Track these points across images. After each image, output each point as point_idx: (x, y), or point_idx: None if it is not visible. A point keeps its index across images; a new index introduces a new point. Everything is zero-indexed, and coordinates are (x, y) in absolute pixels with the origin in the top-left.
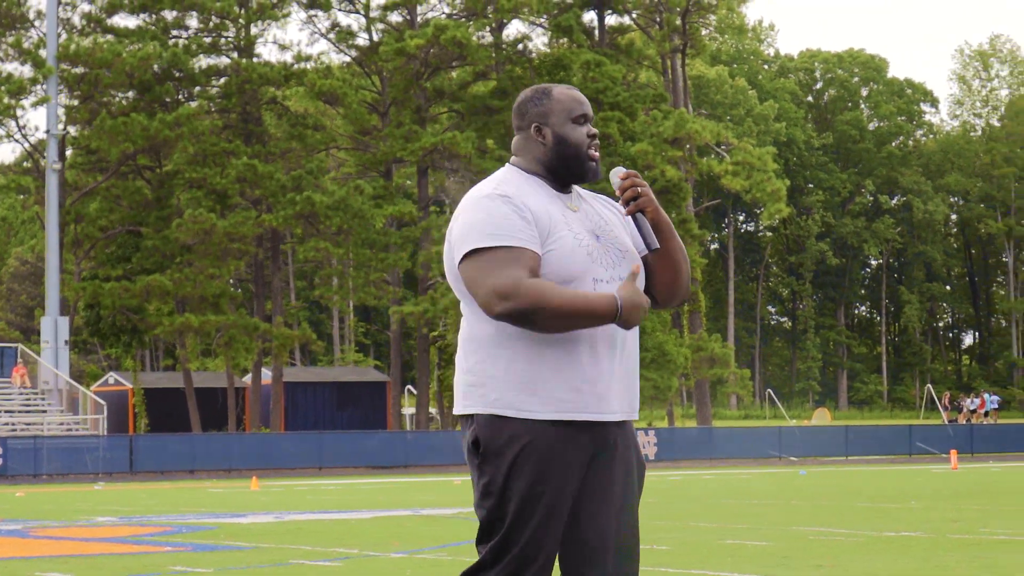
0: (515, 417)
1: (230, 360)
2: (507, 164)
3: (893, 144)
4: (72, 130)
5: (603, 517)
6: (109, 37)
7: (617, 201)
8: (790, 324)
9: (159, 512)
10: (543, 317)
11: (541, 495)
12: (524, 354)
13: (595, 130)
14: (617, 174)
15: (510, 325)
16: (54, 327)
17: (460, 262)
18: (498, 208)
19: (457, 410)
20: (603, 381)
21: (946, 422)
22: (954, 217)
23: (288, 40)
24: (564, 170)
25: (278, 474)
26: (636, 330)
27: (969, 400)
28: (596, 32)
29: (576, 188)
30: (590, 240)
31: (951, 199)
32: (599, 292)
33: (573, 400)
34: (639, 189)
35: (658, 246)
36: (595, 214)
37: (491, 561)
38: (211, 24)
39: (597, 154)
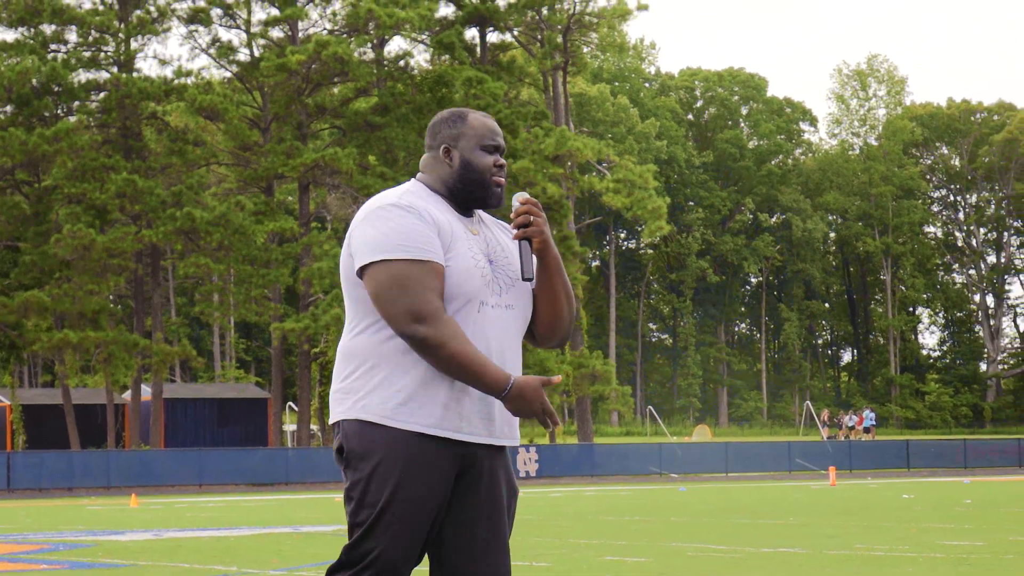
0: (381, 424)
1: (109, 376)
2: (413, 179)
3: (773, 163)
4: None
5: (469, 544)
6: None
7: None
8: (671, 341)
9: (36, 530)
10: (441, 356)
11: (400, 502)
12: (398, 368)
13: (503, 161)
14: (518, 198)
15: (390, 340)
16: None
17: (365, 269)
18: (404, 217)
19: (331, 419)
20: (470, 403)
21: (825, 439)
22: (833, 235)
23: (168, 55)
24: (466, 194)
25: (158, 491)
26: (513, 359)
27: (847, 417)
28: (478, 49)
29: (479, 213)
30: (485, 263)
31: (830, 217)
32: (497, 368)
33: (439, 416)
34: (532, 218)
35: (531, 277)
36: (493, 239)
37: (347, 563)
38: (91, 38)
39: (503, 181)
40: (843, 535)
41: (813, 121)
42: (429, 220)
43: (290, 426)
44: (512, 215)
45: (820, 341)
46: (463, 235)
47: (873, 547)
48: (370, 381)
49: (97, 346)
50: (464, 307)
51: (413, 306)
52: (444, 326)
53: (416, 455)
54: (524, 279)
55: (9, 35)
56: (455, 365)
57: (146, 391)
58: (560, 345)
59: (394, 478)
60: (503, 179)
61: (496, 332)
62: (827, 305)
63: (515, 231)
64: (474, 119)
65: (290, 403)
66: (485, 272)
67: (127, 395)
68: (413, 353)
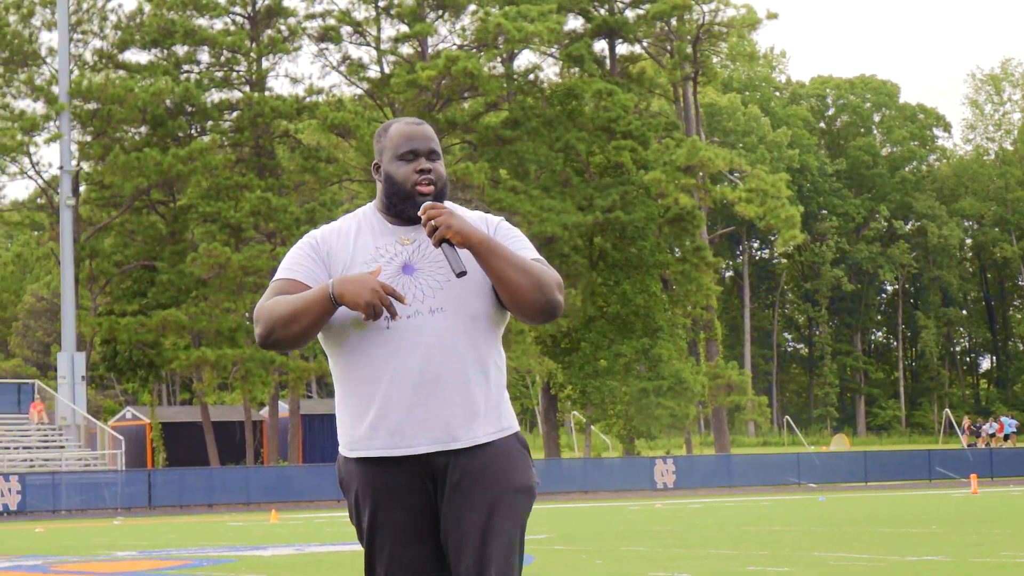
0: (347, 456)
1: (247, 393)
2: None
3: (906, 169)
4: (85, 166)
5: (466, 552)
6: (121, 73)
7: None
8: (807, 350)
9: (179, 546)
10: (280, 332)
11: (379, 527)
12: (340, 397)
13: (427, 165)
14: (423, 208)
15: (337, 371)
16: (71, 363)
17: None
18: (296, 247)
19: None
20: (397, 415)
21: (965, 447)
22: (969, 241)
23: (300, 73)
24: (394, 207)
25: (297, 506)
26: (454, 360)
27: (987, 424)
28: (607, 61)
29: None
30: (395, 276)
31: (965, 223)
32: (315, 288)
33: (370, 437)
34: (433, 222)
35: (464, 270)
36: (428, 246)
37: None
38: (223, 58)
39: (427, 189)
40: (988, 543)
41: (947, 127)
42: (318, 248)
43: None
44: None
45: (958, 348)
46: (371, 255)
47: (1019, 555)
48: (338, 414)
49: (234, 363)
50: (368, 328)
51: (255, 314)
52: (259, 313)
53: (378, 480)
54: (458, 275)
55: (143, 57)
56: (291, 322)
57: (283, 407)
58: (547, 317)
59: (368, 505)
60: (428, 186)
61: (424, 339)
62: (964, 312)
63: (433, 244)
64: (394, 129)
65: None
66: (393, 286)
67: (264, 412)
68: (346, 378)
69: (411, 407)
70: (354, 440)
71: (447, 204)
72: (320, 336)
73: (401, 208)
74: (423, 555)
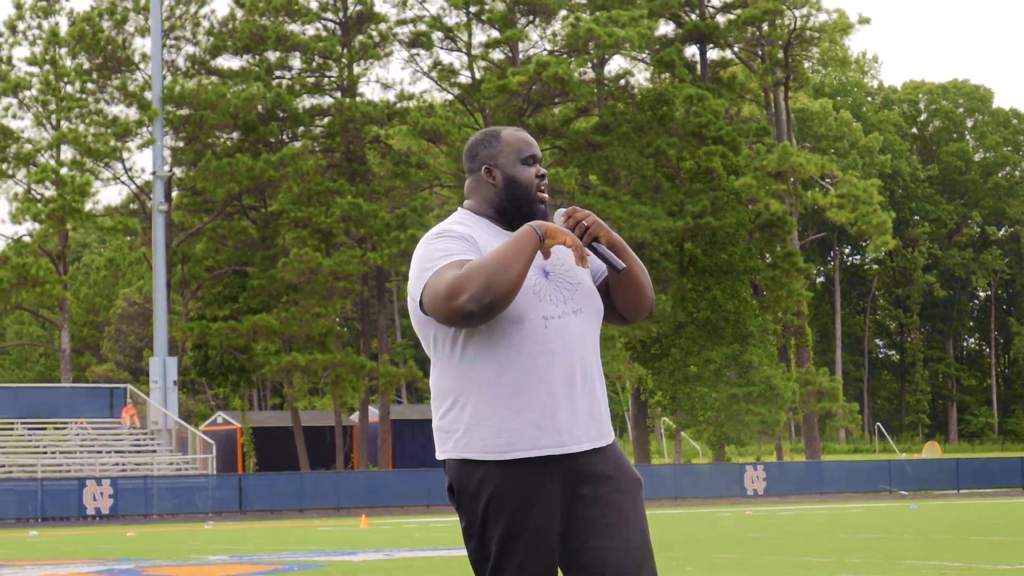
0: (482, 460)
1: (337, 399)
2: (459, 208)
3: (999, 175)
4: (178, 171)
5: (614, 549)
6: (213, 78)
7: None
8: (898, 357)
9: (270, 551)
10: (499, 281)
11: (519, 535)
12: (485, 399)
13: (544, 171)
14: (559, 215)
15: (471, 371)
16: (162, 367)
17: (421, 303)
18: (441, 242)
19: (437, 456)
20: (564, 413)
21: None
22: None
23: (391, 79)
24: (514, 211)
25: (387, 512)
26: (594, 360)
27: None
28: (698, 66)
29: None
30: (537, 278)
31: None
32: (516, 233)
33: (537, 437)
34: (584, 222)
35: (624, 266)
36: (561, 251)
37: None
38: (314, 64)
39: (546, 195)
40: None
41: None
42: (466, 238)
43: None
44: (568, 232)
45: None
46: None
47: None
48: (463, 417)
49: (325, 368)
50: (525, 328)
51: (446, 290)
52: (467, 276)
53: (522, 483)
54: (619, 272)
55: (235, 63)
56: (508, 269)
57: (373, 413)
58: (648, 316)
59: (508, 512)
60: (546, 193)
61: (573, 339)
62: None
63: (583, 245)
64: (507, 134)
65: None
66: (540, 287)
67: (355, 417)
68: (496, 381)
69: (575, 406)
70: (508, 442)
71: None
72: (461, 338)
73: (526, 211)
74: (548, 567)
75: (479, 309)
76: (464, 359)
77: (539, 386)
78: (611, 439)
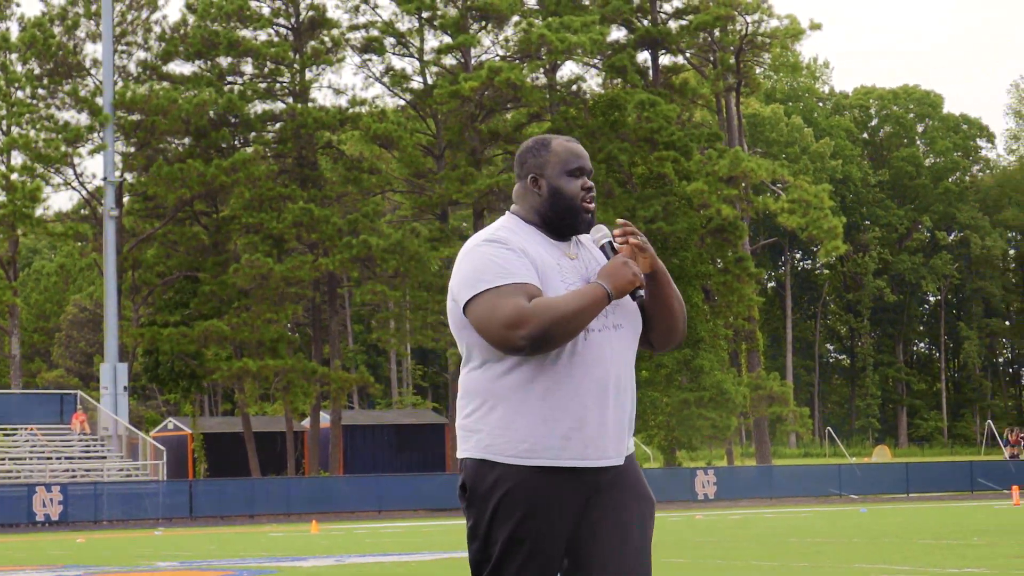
0: (501, 462)
1: (288, 404)
2: (507, 212)
3: (950, 180)
4: (129, 177)
5: (614, 562)
6: (165, 84)
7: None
8: (848, 361)
9: (219, 557)
10: (558, 330)
11: (523, 540)
12: (515, 405)
13: (591, 183)
14: (599, 229)
15: (504, 376)
16: (113, 373)
17: (464, 309)
18: (495, 251)
19: (458, 455)
20: (592, 427)
21: (1008, 458)
22: (1012, 252)
23: (343, 84)
24: (558, 221)
25: (337, 517)
26: (628, 377)
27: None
28: (650, 72)
29: (578, 236)
30: None
31: (1009, 234)
32: (585, 289)
33: (562, 447)
34: (639, 238)
35: (642, 294)
36: (593, 262)
37: None
38: (266, 70)
39: (592, 206)
40: None
41: (990, 137)
42: (519, 251)
43: None
44: (596, 245)
45: (1001, 359)
46: (556, 266)
47: None
48: (489, 420)
49: (276, 374)
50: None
51: (503, 320)
52: (532, 312)
53: (538, 489)
54: (635, 299)
55: (186, 68)
56: (573, 320)
57: (324, 418)
58: (676, 348)
59: (516, 516)
60: (592, 203)
61: (610, 354)
62: (1007, 323)
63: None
64: (557, 145)
65: None
66: None
67: (306, 422)
68: (529, 386)
69: (605, 420)
70: (531, 448)
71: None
72: None
73: (570, 223)
74: (549, 574)
75: (530, 348)
76: (499, 363)
77: (571, 397)
78: (630, 452)
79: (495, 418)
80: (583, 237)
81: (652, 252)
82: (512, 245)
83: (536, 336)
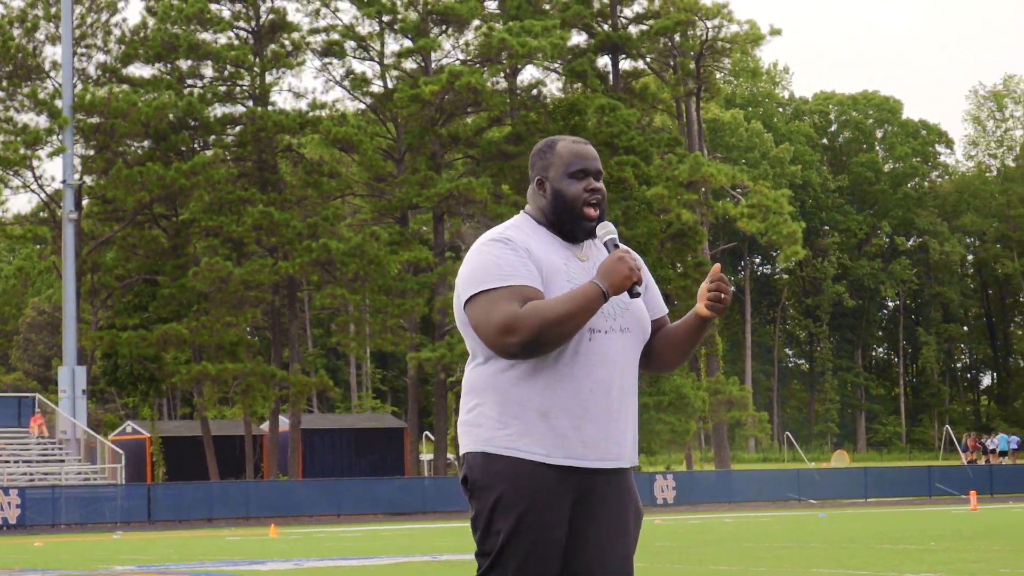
0: (503, 455)
1: (247, 408)
2: (522, 211)
3: (909, 185)
4: (88, 180)
5: (601, 568)
6: (124, 87)
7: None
8: (808, 366)
9: (178, 560)
10: (550, 334)
11: (525, 531)
12: (517, 400)
13: (597, 185)
14: (604, 227)
15: (504, 372)
16: (71, 376)
17: (465, 306)
18: (499, 251)
19: (461, 450)
20: (591, 429)
21: (965, 463)
22: (971, 258)
23: (303, 88)
24: (560, 224)
25: (296, 521)
26: (632, 382)
27: (989, 441)
28: (610, 76)
29: (591, 241)
30: None
31: (967, 240)
32: (579, 289)
33: (559, 445)
34: (722, 295)
35: (639, 293)
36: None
37: None
38: (226, 73)
39: (595, 212)
40: (987, 559)
41: (949, 143)
42: (524, 253)
43: (427, 455)
44: (603, 243)
45: (959, 364)
46: (563, 268)
47: (1017, 572)
48: (491, 414)
49: (235, 378)
50: (574, 340)
51: (497, 324)
52: (524, 317)
53: (539, 484)
54: (632, 296)
55: (146, 71)
56: (564, 323)
57: (284, 422)
58: (668, 372)
59: (518, 508)
60: (596, 210)
61: (615, 356)
62: (965, 328)
63: (708, 303)
64: (562, 147)
65: (427, 432)
66: None
67: (265, 426)
68: (530, 383)
69: (606, 422)
70: (530, 445)
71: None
72: None
73: (570, 227)
74: (550, 569)
75: (523, 353)
76: (501, 360)
77: (572, 397)
78: (633, 462)
79: (496, 413)
80: (596, 246)
81: (724, 306)
82: (516, 245)
83: (528, 342)
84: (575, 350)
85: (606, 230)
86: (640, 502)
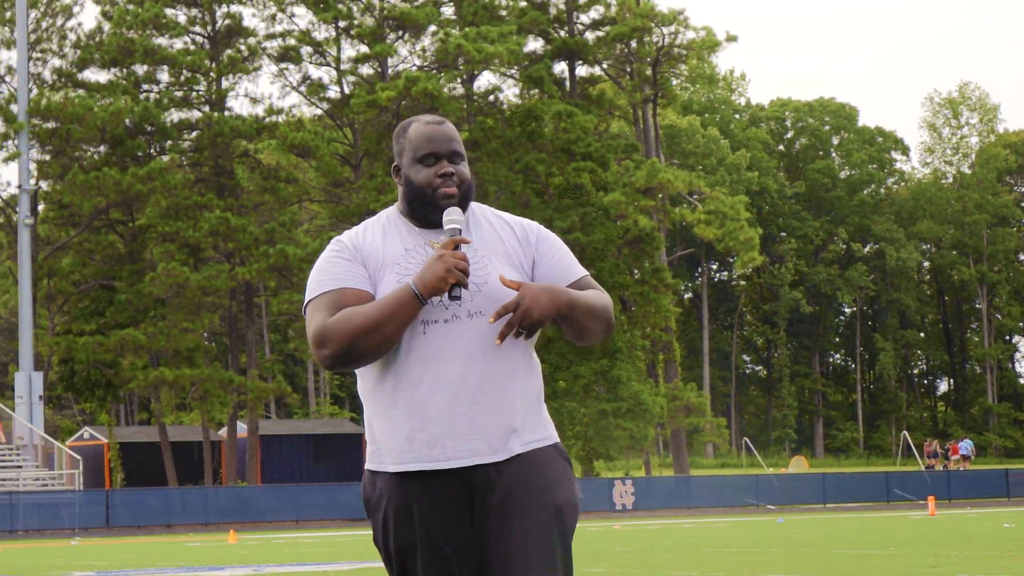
0: (377, 471)
1: (205, 414)
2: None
3: (865, 192)
4: (44, 185)
5: (507, 569)
6: (80, 92)
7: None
8: (765, 372)
9: (136, 567)
10: (362, 344)
11: (413, 546)
12: (375, 410)
13: (449, 168)
14: (449, 213)
15: (366, 387)
16: (28, 382)
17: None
18: (325, 257)
19: None
20: (435, 426)
21: (923, 469)
22: (927, 264)
23: (259, 93)
24: (416, 212)
25: (255, 527)
26: (497, 367)
27: (960, 444)
28: (567, 83)
29: (471, 214)
30: None
31: (924, 246)
32: (394, 291)
33: (406, 450)
34: (527, 322)
35: (458, 296)
36: (468, 248)
37: None
38: (182, 78)
39: (451, 191)
40: (944, 564)
41: (905, 150)
42: (351, 252)
43: None
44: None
45: (916, 371)
46: (401, 258)
47: None
48: (371, 429)
49: (193, 383)
50: (405, 333)
51: (311, 337)
52: (331, 330)
53: (408, 495)
54: (452, 299)
55: (102, 76)
56: (376, 332)
57: (242, 428)
58: (601, 340)
59: (393, 524)
60: (452, 188)
61: (458, 346)
62: (922, 334)
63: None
64: (413, 129)
65: None
66: None
67: (223, 432)
68: (378, 391)
69: (452, 417)
70: (386, 453)
71: (476, 208)
72: None
73: (424, 214)
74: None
75: (340, 364)
76: (362, 377)
77: (410, 397)
78: (509, 453)
79: (371, 426)
80: (489, 218)
81: (543, 314)
82: (344, 245)
83: (338, 354)
84: (408, 347)
85: (451, 218)
86: (544, 493)
